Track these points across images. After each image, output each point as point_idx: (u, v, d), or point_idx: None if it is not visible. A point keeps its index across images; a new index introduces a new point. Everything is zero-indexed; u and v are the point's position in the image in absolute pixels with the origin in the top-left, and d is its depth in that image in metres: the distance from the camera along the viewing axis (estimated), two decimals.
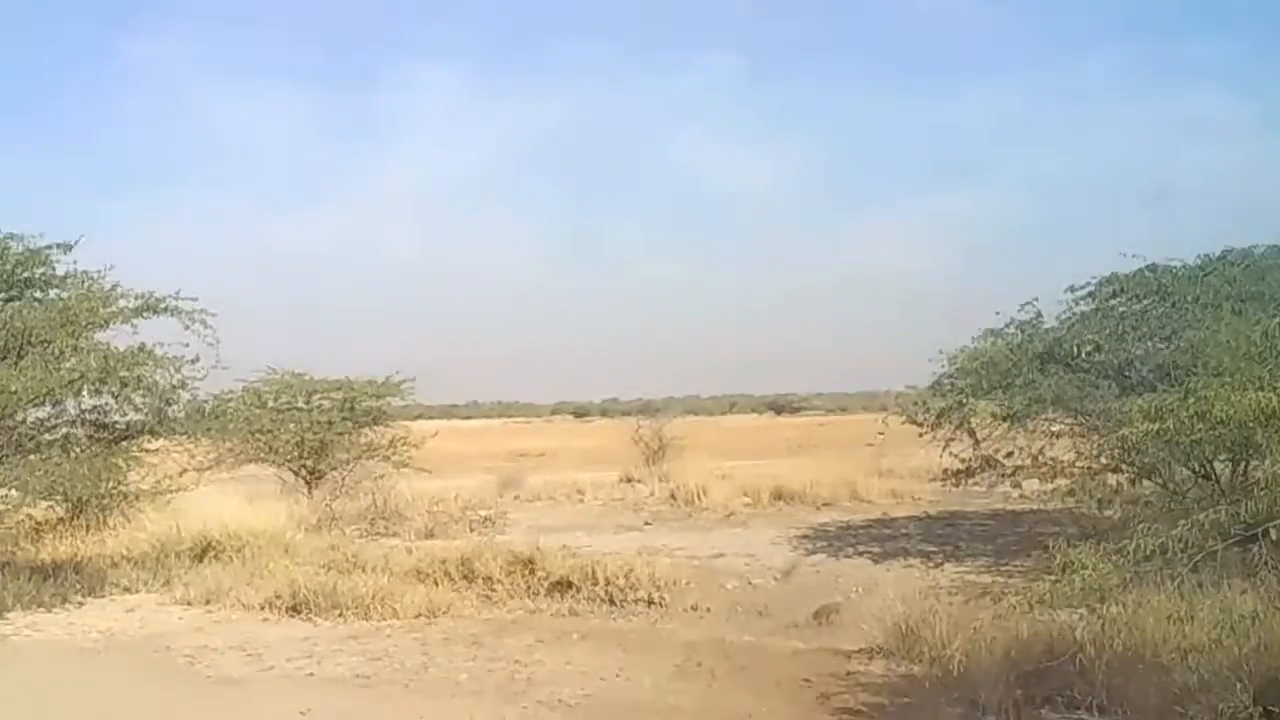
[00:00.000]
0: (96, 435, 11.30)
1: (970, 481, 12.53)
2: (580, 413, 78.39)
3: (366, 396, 18.42)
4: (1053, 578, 5.21)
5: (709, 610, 9.84)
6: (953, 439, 12.28)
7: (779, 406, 73.30)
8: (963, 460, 12.23)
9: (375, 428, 18.59)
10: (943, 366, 12.40)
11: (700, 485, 17.07)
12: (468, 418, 65.26)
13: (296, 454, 17.48)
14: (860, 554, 11.99)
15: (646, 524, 15.10)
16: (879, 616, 8.32)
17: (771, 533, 13.51)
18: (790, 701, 6.82)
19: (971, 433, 12.13)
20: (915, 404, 12.75)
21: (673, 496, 17.24)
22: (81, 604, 10.60)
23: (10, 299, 11.14)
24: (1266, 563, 4.55)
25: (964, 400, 11.82)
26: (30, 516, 12.06)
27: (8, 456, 10.33)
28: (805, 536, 13.20)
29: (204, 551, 12.08)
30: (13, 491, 10.40)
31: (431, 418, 30.27)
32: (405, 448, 18.21)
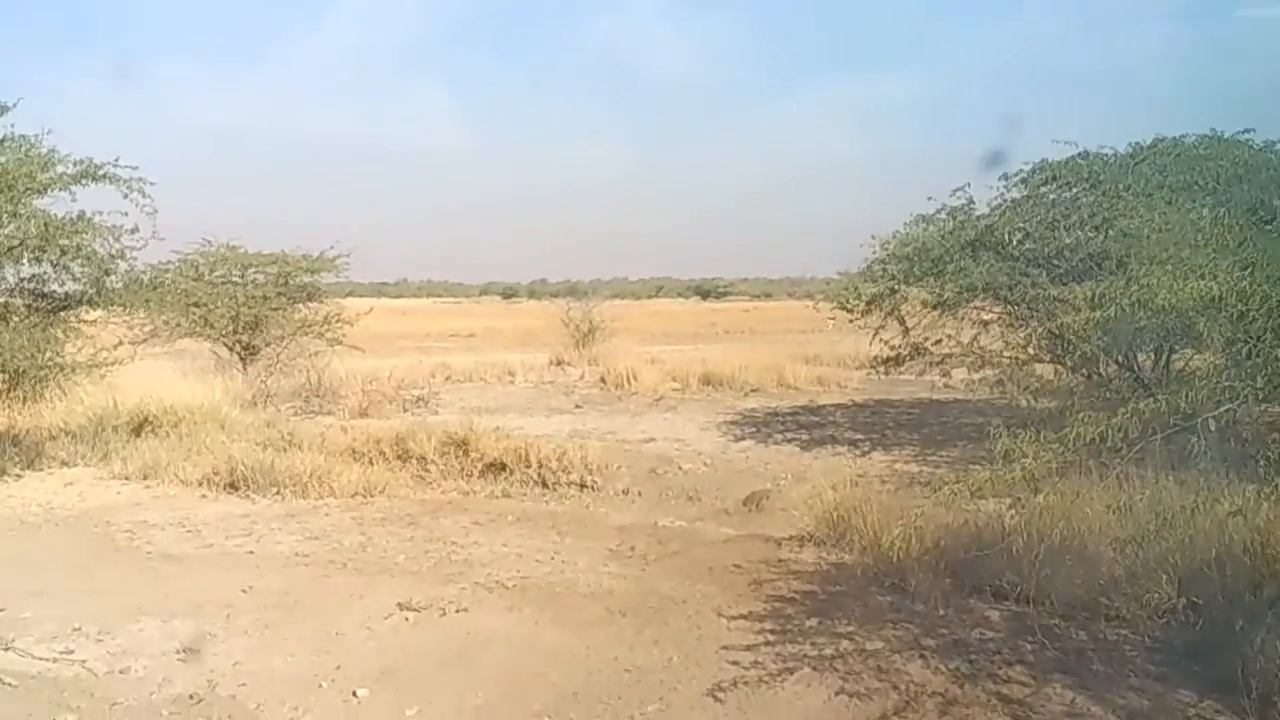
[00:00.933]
0: (34, 305, 10.91)
1: (898, 370, 12.54)
2: (508, 293, 77.99)
3: (301, 271, 17.98)
4: (992, 466, 5.20)
5: (640, 495, 9.86)
6: (883, 326, 12.27)
7: (705, 291, 73.52)
8: (892, 348, 12.23)
9: (309, 304, 18.26)
10: (874, 252, 12.25)
11: (630, 369, 17.08)
12: (397, 296, 64.65)
13: (231, 329, 17.11)
14: (789, 441, 12.11)
15: (577, 407, 15.10)
16: (809, 504, 8.38)
17: (700, 418, 13.58)
18: (723, 587, 6.86)
19: (901, 320, 12.12)
20: (846, 290, 12.72)
21: (603, 380, 17.24)
22: (19, 476, 10.37)
23: None
24: (1206, 453, 4.57)
25: (895, 287, 11.74)
26: None
27: None
28: (734, 422, 13.29)
29: (141, 426, 11.81)
30: None
31: (362, 295, 29.86)
32: (339, 325, 17.93)
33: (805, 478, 9.85)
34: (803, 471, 10.23)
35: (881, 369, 12.83)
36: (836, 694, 5.08)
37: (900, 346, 12.24)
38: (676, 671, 5.41)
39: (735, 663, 5.47)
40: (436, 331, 31.13)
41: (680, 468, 10.64)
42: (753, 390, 16.33)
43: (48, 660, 5.48)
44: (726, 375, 16.96)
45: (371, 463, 10.45)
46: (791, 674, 5.30)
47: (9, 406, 12.47)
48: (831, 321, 13.51)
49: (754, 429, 12.98)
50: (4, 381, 12.00)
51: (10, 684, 5.13)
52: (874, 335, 12.39)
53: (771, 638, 5.84)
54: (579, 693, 5.14)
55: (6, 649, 5.61)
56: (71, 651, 5.61)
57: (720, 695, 5.08)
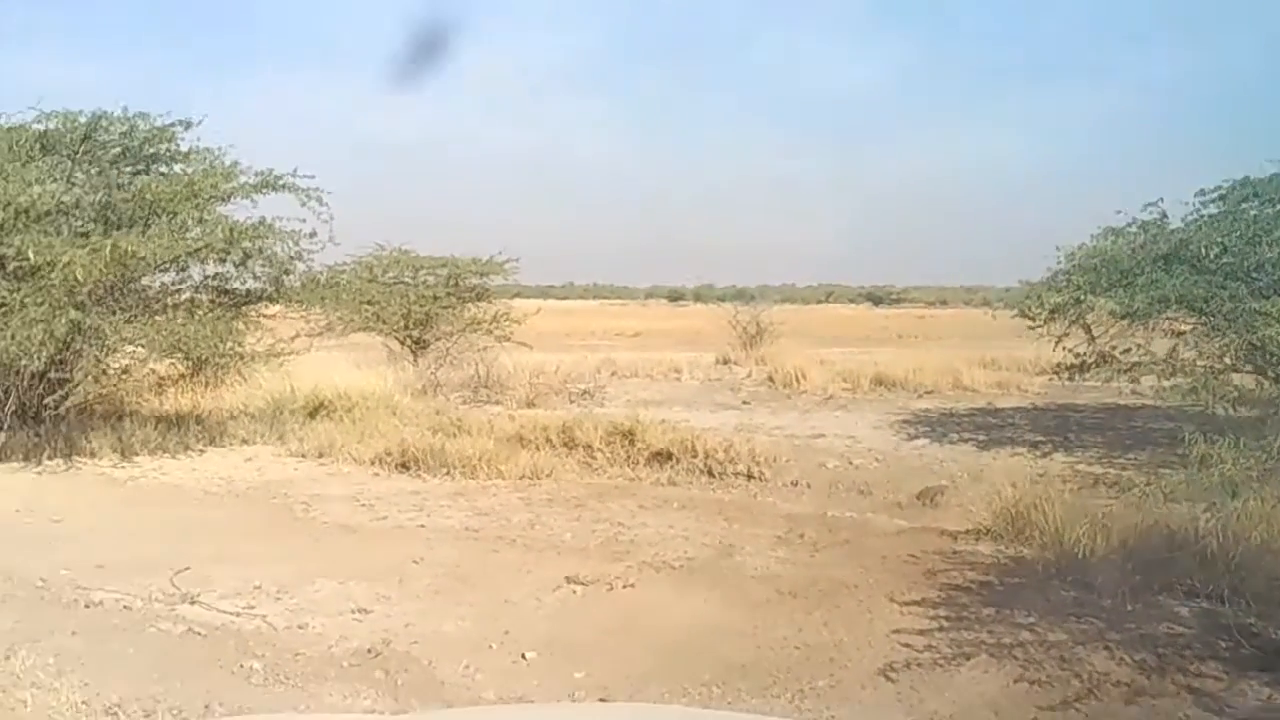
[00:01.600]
0: (218, 300, 11.89)
1: (1083, 377, 12.34)
2: (675, 297, 78.45)
3: (470, 273, 18.81)
4: (1187, 470, 5.04)
5: (809, 487, 9.79)
6: (1066, 334, 12.07)
7: (877, 298, 72.42)
8: (1077, 355, 12.01)
9: (478, 304, 18.96)
10: (1059, 262, 12.17)
11: (799, 368, 16.96)
12: (563, 298, 65.81)
13: (403, 324, 18.00)
14: (965, 440, 11.85)
15: (744, 403, 15.09)
16: (986, 500, 8.19)
17: (872, 416, 13.41)
18: (895, 575, 6.77)
19: (1087, 329, 11.93)
20: (1028, 298, 12.48)
21: (770, 379, 17.18)
22: (202, 452, 11.03)
23: (138, 173, 11.63)
24: None
25: (1081, 296, 11.56)
26: (154, 371, 12.65)
27: (137, 317, 10.82)
28: (907, 421, 13.07)
29: (316, 409, 12.41)
30: (140, 348, 11.20)
31: (529, 297, 30.59)
32: (507, 323, 18.50)
33: (982, 476, 9.62)
34: (980, 470, 9.99)
35: (1065, 375, 12.67)
36: (1016, 681, 4.96)
37: (1086, 354, 12.03)
38: (847, 651, 5.37)
39: (908, 645, 5.40)
40: (602, 330, 31.59)
41: (851, 462, 10.53)
42: (927, 392, 16.02)
43: (231, 614, 5.81)
44: (899, 377, 16.68)
45: (538, 449, 10.68)
46: (968, 659, 5.20)
47: (193, 390, 13.29)
48: (1009, 326, 13.30)
49: (928, 428, 12.74)
50: (189, 367, 12.93)
51: (199, 633, 5.47)
52: (1057, 343, 12.16)
53: (946, 624, 5.75)
54: (747, 666, 5.15)
55: (193, 602, 5.98)
56: (253, 608, 5.94)
57: (892, 675, 5.03)
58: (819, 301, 68.19)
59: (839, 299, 73.30)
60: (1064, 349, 12.19)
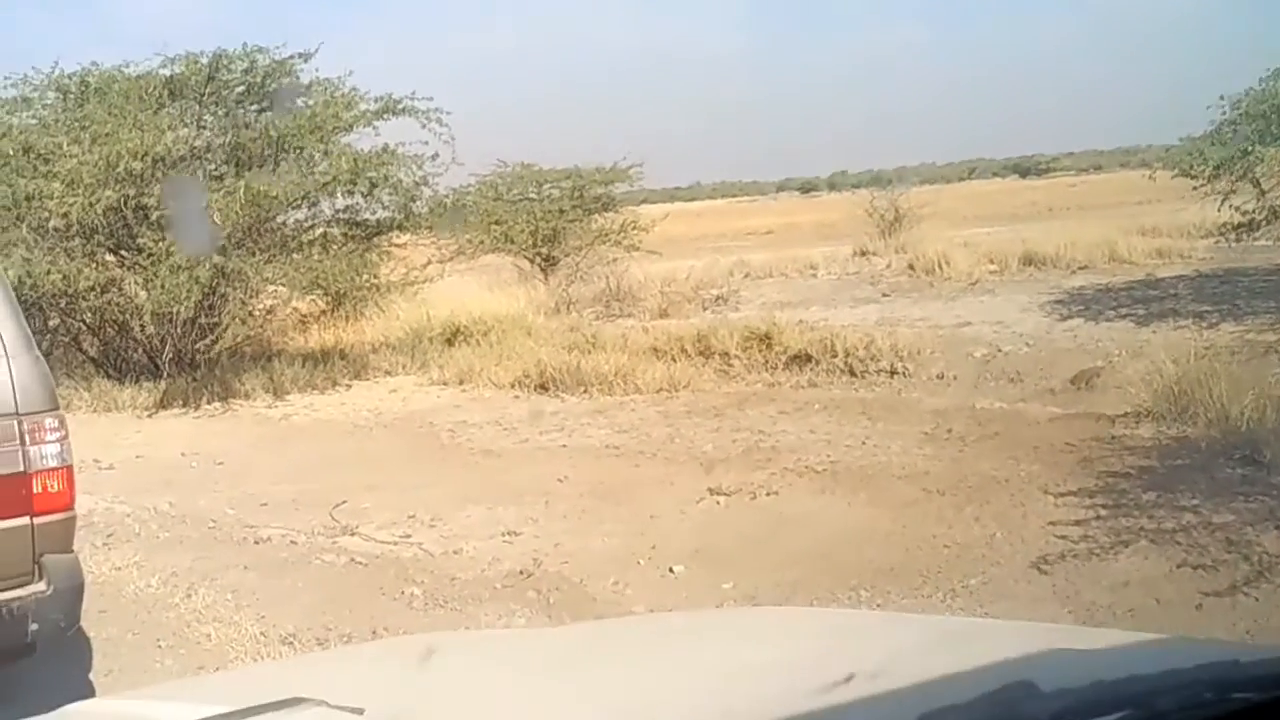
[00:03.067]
0: (350, 233, 12.26)
1: (1253, 236, 11.90)
2: (807, 188, 77.41)
3: (594, 184, 18.91)
4: None
5: (956, 379, 9.74)
6: (1233, 191, 11.59)
7: (1024, 169, 70.09)
8: (1244, 213, 11.53)
9: (605, 214, 19.09)
10: (1224, 113, 11.52)
11: (941, 254, 16.63)
12: (691, 199, 65.59)
13: (531, 242, 18.25)
14: (1122, 317, 11.54)
15: (885, 295, 14.93)
16: (1146, 379, 8.03)
17: (1021, 299, 13.14)
18: (1049, 466, 6.75)
19: (1256, 183, 11.42)
20: (1190, 155, 11.98)
21: (911, 267, 16.88)
22: (349, 386, 11.53)
23: (263, 110, 11.94)
24: None
25: (1249, 148, 11.03)
26: (296, 309, 13.23)
27: (275, 256, 11.29)
28: (1059, 301, 12.77)
29: (453, 336, 12.80)
30: (281, 287, 11.72)
31: (656, 202, 30.62)
32: (635, 232, 18.61)
33: (1142, 353, 9.39)
34: (1139, 347, 9.75)
35: (1232, 236, 12.29)
36: (1179, 566, 4.95)
37: (1254, 211, 11.53)
38: (999, 547, 5.43)
39: (1063, 537, 5.42)
40: (733, 231, 31.47)
41: (1000, 349, 10.40)
42: (1080, 268, 15.54)
43: (389, 543, 6.18)
44: (1050, 254, 16.20)
45: (674, 360, 10.83)
46: (1126, 547, 5.21)
47: (334, 325, 13.86)
48: (1171, 188, 12.78)
49: (1082, 307, 12.42)
50: (328, 303, 13.48)
51: (361, 563, 5.85)
52: (1223, 201, 11.66)
53: (1103, 512, 5.74)
54: (895, 568, 5.26)
55: (353, 534, 6.37)
56: (409, 536, 6.29)
57: (1047, 568, 5.07)
58: (960, 179, 66.30)
59: (983, 173, 71.18)
60: (1230, 207, 11.74)
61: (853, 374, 10.09)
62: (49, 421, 3.41)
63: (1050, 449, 7.18)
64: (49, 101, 11.97)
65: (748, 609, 4.49)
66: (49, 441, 3.40)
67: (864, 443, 7.72)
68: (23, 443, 3.35)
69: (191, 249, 10.42)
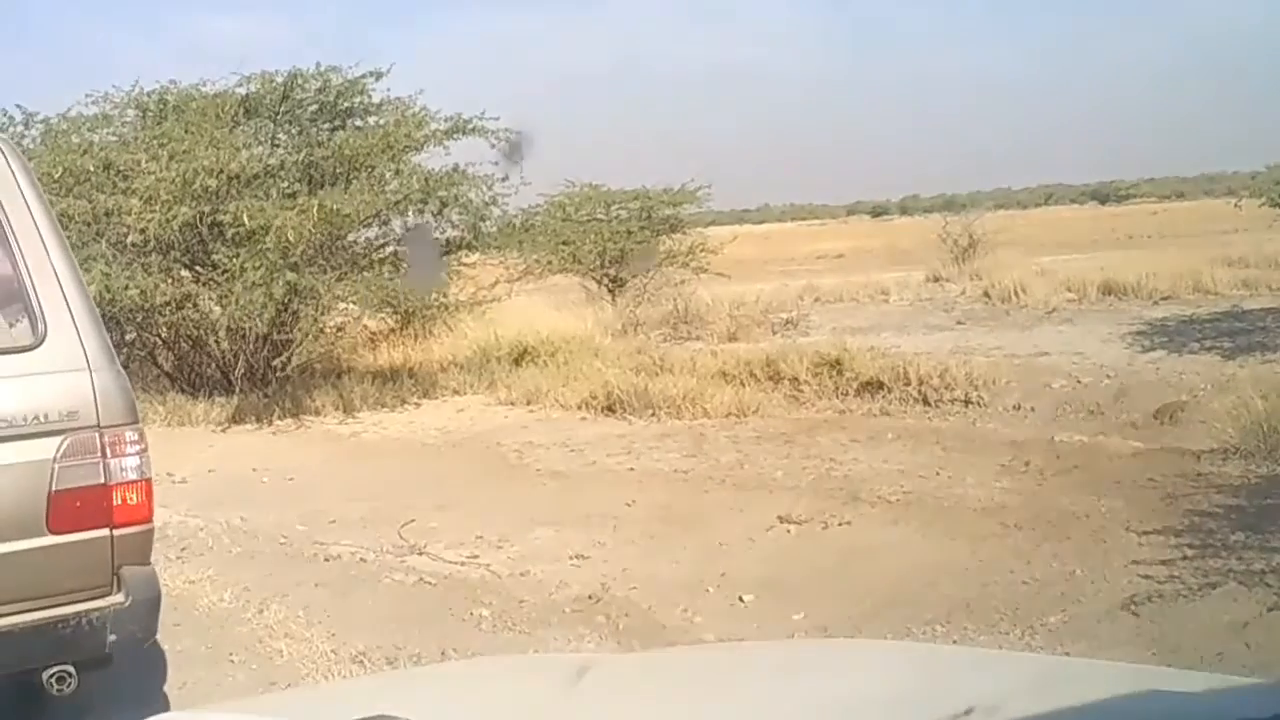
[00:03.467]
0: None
1: None
2: (878, 212, 76.94)
3: (663, 205, 18.91)
4: None
5: (1033, 410, 9.59)
6: None
7: (1103, 196, 68.96)
8: None
9: (672, 235, 19.11)
10: None
11: (1017, 281, 16.43)
12: (760, 221, 65.43)
13: (598, 263, 18.30)
14: (1207, 350, 11.28)
15: (959, 323, 14.76)
16: (1233, 415, 7.85)
17: (1101, 329, 12.92)
18: (1131, 502, 6.61)
19: None
20: (1276, 183, 11.75)
21: (986, 295, 16.68)
22: (418, 405, 11.63)
23: (335, 129, 12.14)
24: None
25: None
26: (366, 327, 13.40)
27: (346, 274, 11.39)
28: (1141, 332, 12.53)
29: (521, 356, 12.86)
30: (352, 305, 11.90)
31: (724, 223, 30.58)
32: (703, 254, 18.61)
33: (1228, 388, 9.17)
34: (1225, 381, 9.53)
35: None
36: (1270, 609, 4.82)
37: None
38: (1080, 585, 5.33)
39: (1148, 576, 5.30)
40: (802, 254, 31.34)
41: (1079, 381, 10.22)
42: (1163, 298, 15.26)
43: (457, 564, 6.21)
44: (1131, 283, 15.92)
45: (743, 384, 10.79)
46: (1214, 588, 5.08)
47: (403, 343, 14.00)
48: (1257, 216, 12.50)
49: (1165, 338, 12.18)
50: (398, 321, 13.63)
51: (430, 583, 5.88)
52: None
53: (1190, 552, 5.61)
54: (972, 603, 5.18)
55: (421, 553, 6.42)
56: (476, 556, 6.32)
57: (1132, 608, 4.96)
58: (1037, 205, 65.51)
59: (1060, 200, 70.21)
60: None
61: (926, 403, 9.98)
62: (129, 434, 3.45)
63: (1133, 484, 7.05)
64: (129, 119, 12.25)
65: (834, 641, 4.44)
66: (129, 454, 3.44)
67: (938, 473, 7.64)
68: (104, 455, 3.38)
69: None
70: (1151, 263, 16.77)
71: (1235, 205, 13.13)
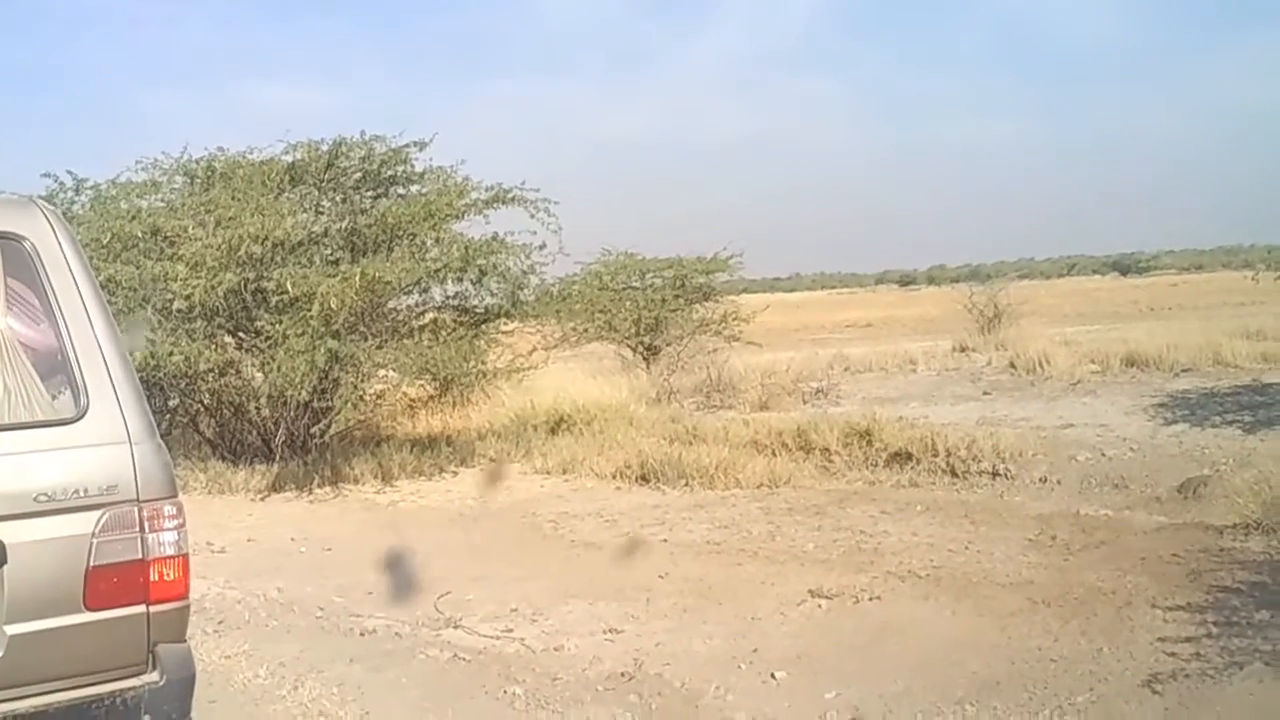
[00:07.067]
0: (459, 319, 12.27)
1: None
2: (905, 281, 76.94)
3: (696, 273, 19.01)
4: None
5: (1059, 483, 9.51)
6: None
7: (1124, 267, 68.70)
8: None
9: (706, 303, 19.17)
10: None
11: (1042, 352, 16.33)
12: (791, 290, 65.59)
13: (634, 331, 18.36)
14: (1229, 423, 11.15)
15: (985, 394, 14.66)
16: (1254, 489, 7.76)
17: (1124, 401, 12.79)
18: (1156, 578, 6.51)
19: None
20: None
21: (1012, 365, 16.58)
22: (455, 473, 11.62)
23: (378, 197, 12.21)
24: None
25: None
26: (405, 394, 13.37)
27: (386, 341, 11.35)
28: (1163, 405, 12.41)
29: (557, 424, 12.88)
30: (391, 372, 11.69)
31: (755, 291, 30.64)
32: (735, 322, 18.64)
33: (1250, 462, 9.07)
34: (1246, 455, 9.42)
35: None
36: None
37: None
38: (1107, 663, 5.23)
39: (1173, 655, 5.22)
40: (832, 323, 31.31)
41: (1103, 454, 10.12)
42: (1184, 370, 15.11)
43: (492, 638, 6.16)
44: (1152, 355, 15.79)
45: (774, 454, 10.76)
46: (1240, 668, 4.99)
47: (441, 410, 14.00)
48: (1277, 289, 12.35)
49: (1187, 411, 12.05)
50: (436, 388, 13.61)
51: (464, 658, 5.82)
52: None
53: (1215, 630, 5.52)
54: (1001, 681, 5.09)
55: (456, 627, 6.37)
56: (511, 630, 6.27)
57: (1158, 688, 4.87)
58: (1060, 275, 65.30)
59: (1082, 270, 69.95)
60: None
61: (954, 474, 9.91)
62: (168, 509, 3.36)
63: (1157, 560, 6.96)
64: (176, 185, 12.33)
65: None
66: (167, 529, 3.35)
67: (967, 547, 7.55)
68: (142, 530, 3.30)
69: None
70: (1172, 334, 16.63)
71: (1253, 279, 13.00)
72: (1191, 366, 15.16)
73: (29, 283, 3.40)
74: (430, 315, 12.46)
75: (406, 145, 12.00)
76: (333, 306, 10.32)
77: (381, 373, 11.98)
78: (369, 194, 12.19)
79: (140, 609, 3.31)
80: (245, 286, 10.98)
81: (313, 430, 11.51)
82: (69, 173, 12.32)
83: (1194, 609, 5.87)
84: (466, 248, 11.52)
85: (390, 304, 12.02)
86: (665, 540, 8.33)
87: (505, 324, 12.85)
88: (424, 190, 12.09)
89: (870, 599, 6.49)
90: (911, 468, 10.17)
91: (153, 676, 3.32)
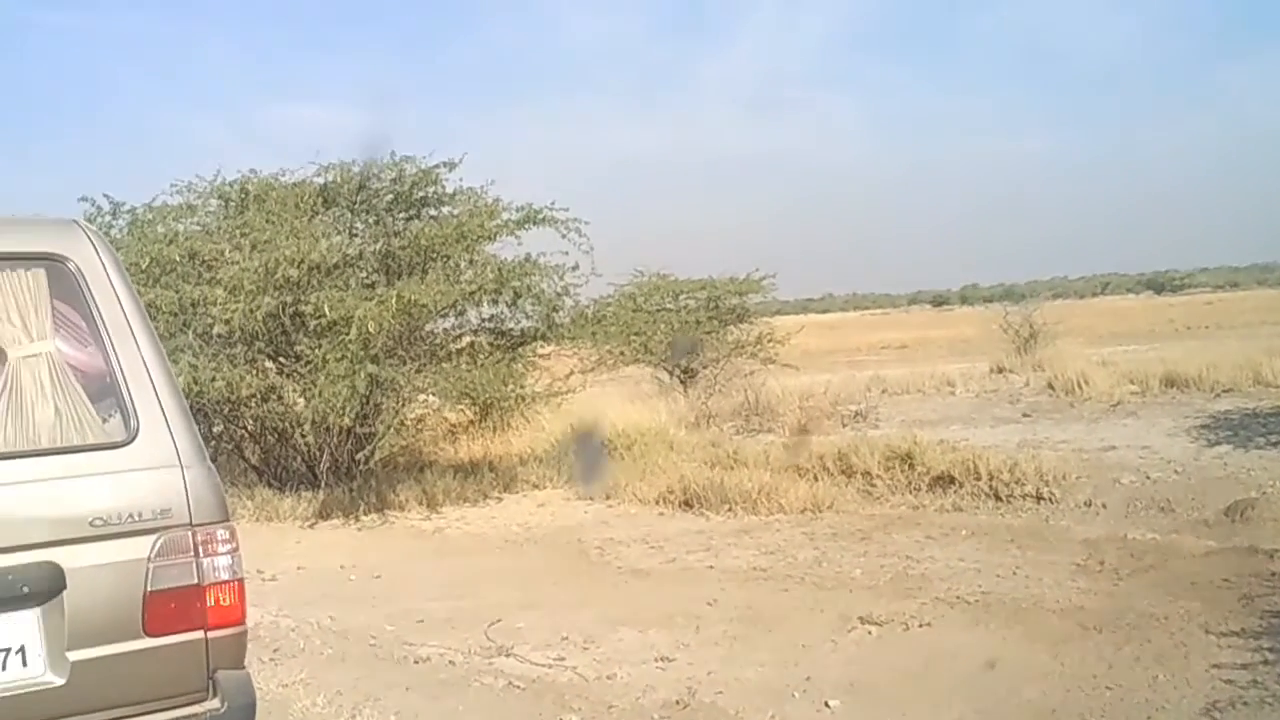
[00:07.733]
0: (496, 343, 12.20)
1: None
2: (939, 301, 76.63)
3: (729, 294, 18.96)
4: None
5: (1104, 506, 9.44)
6: None
7: (1158, 285, 68.15)
8: None
9: (740, 325, 19.12)
10: None
11: (1080, 373, 16.21)
12: (824, 311, 65.47)
13: (669, 354, 18.27)
14: (1273, 444, 11.02)
15: (1025, 416, 14.57)
16: None
17: (1166, 422, 12.69)
18: (1208, 603, 6.47)
19: None
20: None
21: (1050, 386, 16.46)
22: (499, 500, 11.66)
23: (410, 218, 12.16)
24: None
25: None
26: (445, 419, 13.39)
27: (425, 365, 11.36)
28: (1205, 426, 12.29)
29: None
30: (431, 396, 11.67)
31: (789, 313, 30.65)
32: (770, 344, 18.59)
33: None
34: None
35: None
36: None
37: None
38: (1164, 690, 5.20)
39: (1230, 681, 5.19)
40: (867, 344, 31.24)
41: (1148, 476, 10.04)
42: (1225, 390, 14.95)
43: (544, 666, 6.18)
44: (1192, 375, 15.63)
45: (816, 478, 10.74)
46: None
47: (482, 435, 14.04)
48: None
49: (1230, 432, 11.93)
50: (476, 412, 13.62)
51: (519, 686, 5.85)
52: None
53: (1271, 656, 5.49)
54: (1057, 710, 5.07)
55: (508, 655, 6.39)
56: (563, 659, 6.28)
57: (1217, 715, 4.84)
58: (1094, 294, 64.85)
59: (1116, 289, 69.46)
60: None
61: (998, 498, 9.86)
62: (221, 533, 3.32)
63: (1208, 585, 6.91)
64: (211, 209, 12.33)
65: None
66: (221, 553, 3.32)
67: (1015, 573, 7.52)
68: (196, 555, 3.26)
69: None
70: (1211, 354, 16.46)
71: None
72: (1232, 387, 14.99)
73: (74, 304, 3.36)
74: (467, 338, 12.39)
75: (436, 166, 11.94)
76: (370, 330, 10.26)
77: (421, 397, 11.92)
78: (401, 215, 12.13)
79: (199, 635, 3.28)
80: (283, 310, 10.97)
81: (357, 456, 11.52)
82: (105, 196, 12.28)
83: (1249, 635, 5.83)
84: (500, 269, 11.46)
85: (427, 327, 12.00)
86: (711, 566, 8.34)
87: (542, 347, 12.77)
88: (455, 211, 12.04)
89: (920, 625, 6.48)
90: (954, 491, 10.12)
91: (214, 704, 3.29)
